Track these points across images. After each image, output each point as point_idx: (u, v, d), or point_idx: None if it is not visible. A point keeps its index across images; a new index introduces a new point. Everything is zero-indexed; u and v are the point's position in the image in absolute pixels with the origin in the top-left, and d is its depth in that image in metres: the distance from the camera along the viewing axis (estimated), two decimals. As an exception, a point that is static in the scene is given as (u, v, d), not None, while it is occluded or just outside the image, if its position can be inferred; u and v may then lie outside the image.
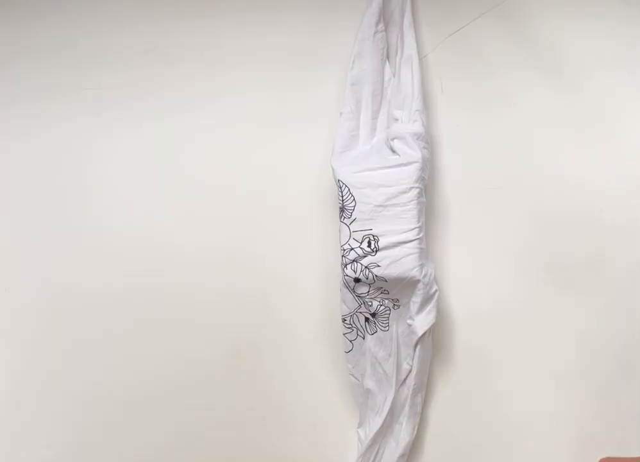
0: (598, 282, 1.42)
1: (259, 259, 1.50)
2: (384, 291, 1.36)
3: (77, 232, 1.54)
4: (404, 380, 1.39)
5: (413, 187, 1.33)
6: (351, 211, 1.35)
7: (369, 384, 1.40)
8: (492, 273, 1.45)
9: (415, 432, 1.40)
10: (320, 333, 1.48)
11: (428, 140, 1.40)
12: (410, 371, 1.37)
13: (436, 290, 1.35)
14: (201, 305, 1.50)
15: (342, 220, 1.36)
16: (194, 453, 1.48)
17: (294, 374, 1.48)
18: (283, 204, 1.51)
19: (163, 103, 1.57)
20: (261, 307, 1.49)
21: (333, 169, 1.39)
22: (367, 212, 1.33)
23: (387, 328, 1.39)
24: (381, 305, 1.37)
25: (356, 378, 1.42)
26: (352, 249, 1.34)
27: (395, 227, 1.32)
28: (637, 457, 1.31)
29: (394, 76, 1.47)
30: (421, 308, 1.34)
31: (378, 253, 1.32)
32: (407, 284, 1.33)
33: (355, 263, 1.34)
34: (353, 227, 1.34)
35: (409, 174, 1.33)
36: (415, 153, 1.34)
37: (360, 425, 1.43)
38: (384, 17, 1.46)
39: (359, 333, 1.40)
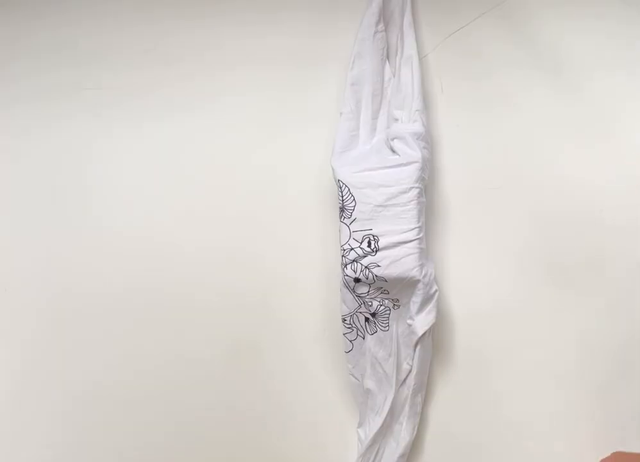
0: (598, 282, 1.42)
1: (259, 259, 1.50)
2: (384, 291, 1.36)
3: (77, 232, 1.54)
4: (404, 380, 1.39)
5: (413, 187, 1.33)
6: (351, 211, 1.35)
7: (369, 384, 1.40)
8: (492, 273, 1.45)
9: (415, 432, 1.40)
10: (320, 333, 1.48)
11: (428, 140, 1.40)
12: (410, 371, 1.37)
13: (436, 291, 1.35)
14: (201, 305, 1.50)
15: (342, 220, 1.36)
16: (194, 453, 1.48)
17: (294, 374, 1.48)
18: (283, 204, 1.51)
19: (163, 103, 1.57)
20: (261, 307, 1.49)
21: (333, 169, 1.39)
22: (367, 212, 1.33)
23: (387, 328, 1.39)
24: (381, 305, 1.37)
25: (356, 378, 1.42)
26: (352, 249, 1.34)
27: (396, 227, 1.32)
28: None
29: (394, 76, 1.47)
30: (420, 308, 1.34)
31: (378, 253, 1.32)
32: (407, 284, 1.33)
33: (355, 263, 1.34)
34: (353, 227, 1.34)
35: (409, 174, 1.33)
36: (415, 153, 1.34)
37: (360, 425, 1.43)
38: (384, 17, 1.46)
39: (359, 333, 1.40)
